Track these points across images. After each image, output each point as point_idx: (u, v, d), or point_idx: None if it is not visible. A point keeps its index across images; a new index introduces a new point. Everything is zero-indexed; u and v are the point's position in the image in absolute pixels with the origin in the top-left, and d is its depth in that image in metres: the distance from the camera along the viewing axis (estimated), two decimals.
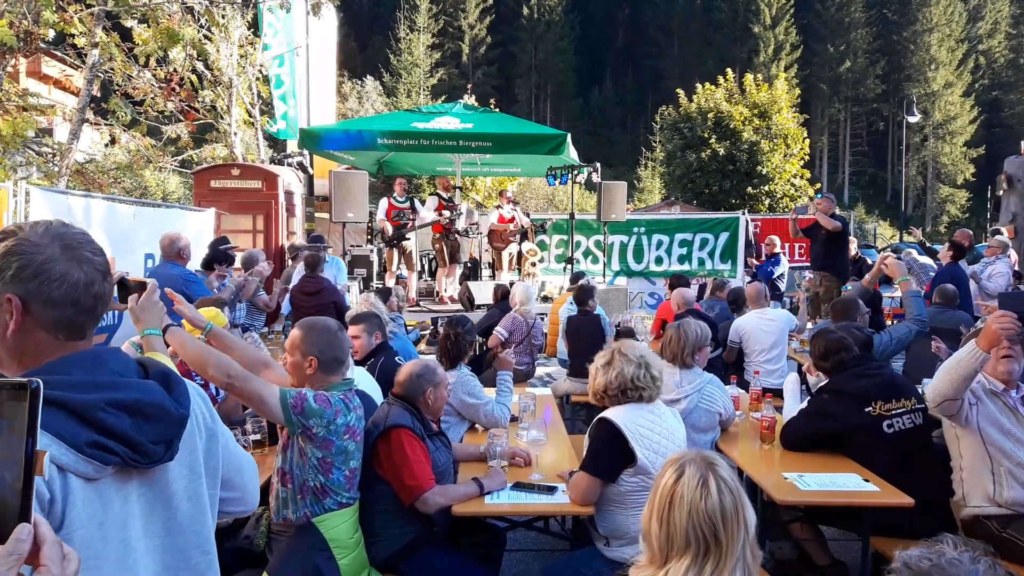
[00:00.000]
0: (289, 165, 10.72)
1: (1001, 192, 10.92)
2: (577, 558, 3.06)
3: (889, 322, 8.57)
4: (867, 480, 3.38)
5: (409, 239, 9.96)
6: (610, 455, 2.91)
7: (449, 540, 3.18)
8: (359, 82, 39.62)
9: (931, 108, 52.90)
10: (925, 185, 54.74)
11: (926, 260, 10.05)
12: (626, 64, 66.19)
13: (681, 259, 12.69)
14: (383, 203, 9.95)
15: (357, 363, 4.12)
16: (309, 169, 11.61)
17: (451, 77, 54.15)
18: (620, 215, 11.20)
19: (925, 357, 5.53)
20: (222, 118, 12.18)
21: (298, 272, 7.04)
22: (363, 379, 3.74)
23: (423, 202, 10.77)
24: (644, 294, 12.62)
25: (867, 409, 3.64)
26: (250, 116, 12.35)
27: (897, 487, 3.30)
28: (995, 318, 3.09)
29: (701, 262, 12.74)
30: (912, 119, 40.48)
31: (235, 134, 11.94)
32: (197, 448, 1.39)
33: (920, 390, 4.50)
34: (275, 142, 13.77)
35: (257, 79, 12.21)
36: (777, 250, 10.92)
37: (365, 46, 56.43)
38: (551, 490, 3.15)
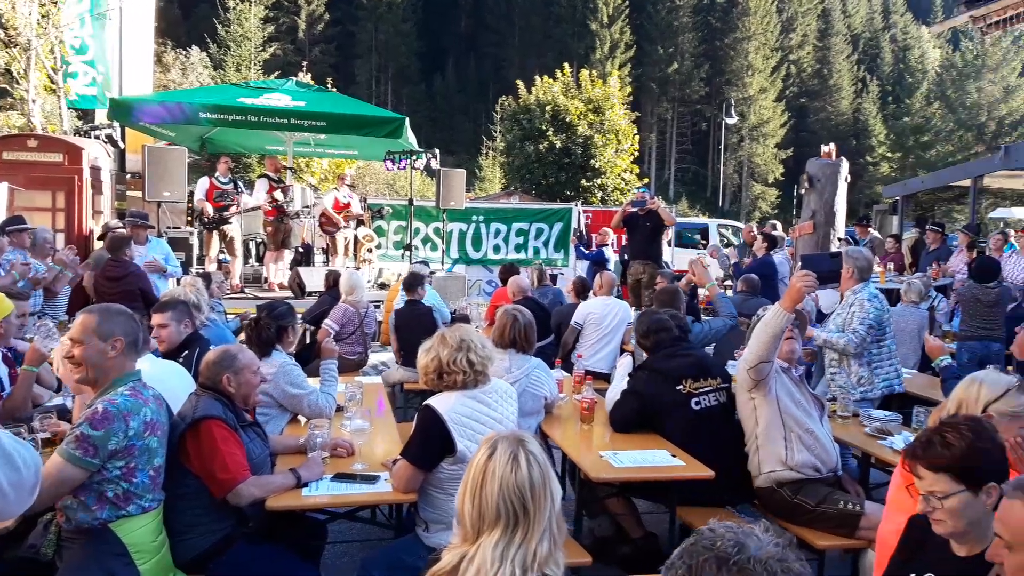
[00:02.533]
0: (96, 138, 9.81)
1: (803, 191, 11.97)
2: (398, 546, 3.03)
3: (703, 307, 9.23)
4: (675, 456, 3.60)
5: (232, 222, 9.41)
6: (431, 444, 2.89)
7: (266, 535, 3.05)
8: (183, 52, 37.01)
9: (747, 111, 57.25)
10: (741, 183, 59.20)
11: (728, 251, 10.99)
12: (469, 51, 66.38)
13: (518, 248, 12.97)
14: (203, 182, 9.33)
15: (167, 355, 3.84)
16: (120, 143, 10.68)
17: (286, 53, 51.79)
18: (459, 203, 11.24)
19: (732, 347, 6.00)
20: (18, 83, 10.93)
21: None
22: (176, 374, 3.49)
23: (251, 183, 10.24)
24: (482, 281, 12.76)
25: (678, 387, 3.89)
26: (52, 82, 11.17)
27: (702, 461, 3.54)
28: (798, 277, 3.41)
29: (536, 251, 13.08)
30: (730, 121, 43.73)
31: (33, 101, 10.75)
32: None
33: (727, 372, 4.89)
34: (83, 113, 12.54)
35: (60, 41, 11.05)
36: (610, 240, 11.44)
37: (190, 13, 52.71)
38: (373, 479, 3.10)
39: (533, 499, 1.74)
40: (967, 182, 12.54)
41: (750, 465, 3.79)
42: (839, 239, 11.10)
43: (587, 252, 11.44)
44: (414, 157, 10.29)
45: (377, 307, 7.85)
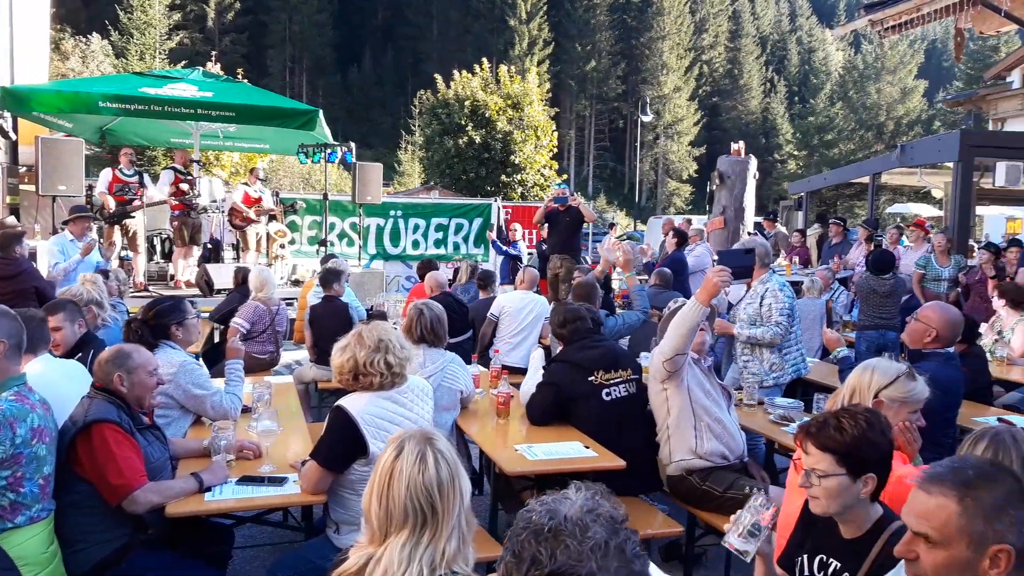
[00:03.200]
0: None
1: (714, 187, 12.34)
2: (308, 549, 2.96)
3: (618, 302, 9.41)
4: (587, 447, 3.65)
5: (135, 217, 8.99)
6: (342, 446, 2.82)
7: (167, 542, 2.92)
8: (83, 40, 35.15)
9: (662, 109, 58.61)
10: (656, 179, 60.63)
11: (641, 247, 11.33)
12: (386, 44, 65.47)
13: (437, 243, 12.88)
14: (105, 175, 8.87)
15: (64, 357, 3.63)
16: (12, 134, 10.05)
17: (194, 42, 49.85)
18: (376, 197, 11.07)
19: (645, 339, 6.13)
20: None
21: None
22: (73, 376, 3.29)
23: (156, 177, 9.81)
24: (401, 277, 12.61)
25: (590, 378, 3.94)
26: None
27: (614, 451, 3.59)
28: (714, 272, 3.52)
29: (456, 246, 13.03)
30: (645, 118, 44.53)
31: None
32: None
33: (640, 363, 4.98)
34: None
35: None
36: (518, 236, 11.53)
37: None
38: (281, 481, 3.01)
39: (441, 498, 1.72)
40: (866, 179, 13.19)
41: (661, 454, 3.87)
42: (748, 233, 11.51)
43: (504, 247, 11.48)
44: (328, 151, 10.07)
45: (290, 304, 7.66)
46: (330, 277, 6.31)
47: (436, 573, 1.67)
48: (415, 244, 12.62)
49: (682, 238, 9.57)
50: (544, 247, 10.44)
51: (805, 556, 2.18)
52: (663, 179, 59.59)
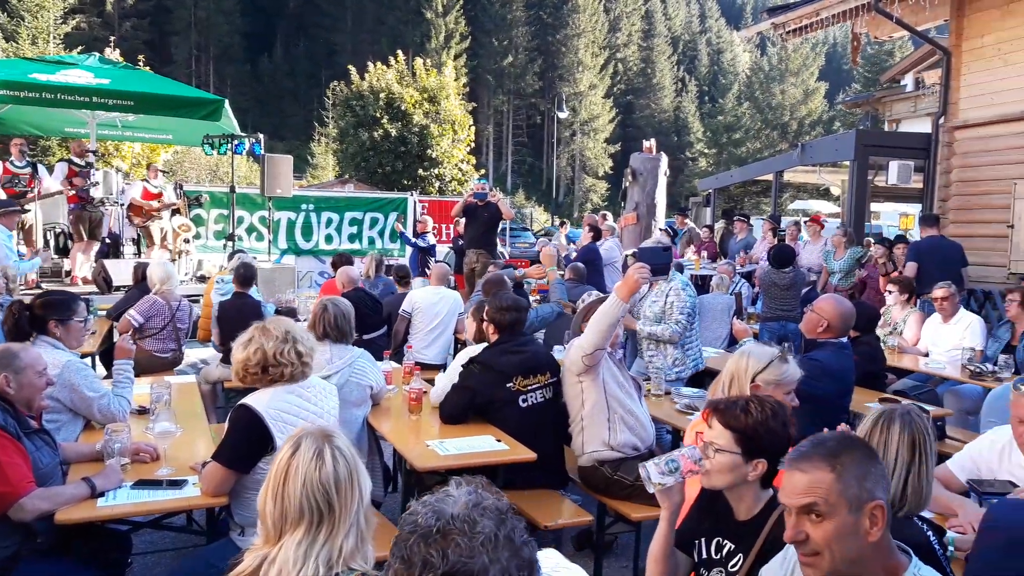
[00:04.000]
0: None
1: (627, 184, 12.60)
2: (209, 552, 2.87)
3: (534, 298, 9.49)
4: (499, 440, 3.66)
5: (28, 210, 8.49)
6: (247, 443, 2.76)
7: (60, 550, 2.78)
8: None
9: (578, 106, 59.36)
10: (574, 176, 61.39)
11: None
12: (299, 33, 63.80)
13: (351, 238, 12.64)
14: None
15: None
16: None
17: (92, 27, 47.35)
18: (286, 190, 10.77)
19: (559, 331, 6.20)
20: None
21: None
22: None
23: (51, 168, 9.29)
24: (314, 273, 12.33)
25: (508, 384, 3.93)
26: None
27: (526, 447, 3.61)
28: (634, 269, 3.58)
29: (371, 241, 12.82)
30: (562, 115, 45.12)
31: None
32: None
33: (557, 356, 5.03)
34: None
35: None
36: (429, 228, 11.43)
37: None
38: (179, 484, 2.90)
39: (339, 495, 1.71)
40: (770, 177, 13.72)
41: (573, 445, 3.93)
42: (660, 229, 11.81)
43: (413, 240, 11.37)
44: (235, 142, 9.75)
45: (196, 301, 7.38)
46: (248, 275, 6.14)
47: (333, 571, 1.65)
48: (328, 239, 12.34)
49: (597, 232, 9.74)
50: (461, 242, 10.41)
51: (703, 539, 2.26)
52: (580, 176, 60.35)
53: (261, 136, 10.42)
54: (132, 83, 9.07)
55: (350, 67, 23.30)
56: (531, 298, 9.47)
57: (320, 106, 44.71)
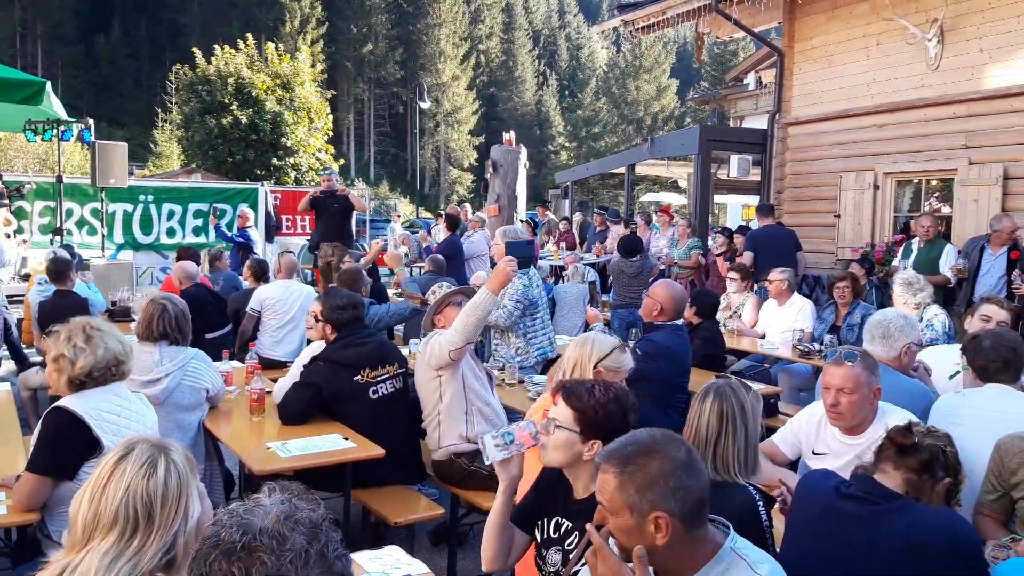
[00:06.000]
0: None
1: (488, 175, 12.65)
2: (20, 572, 2.62)
3: (395, 291, 9.36)
4: (346, 438, 3.54)
5: None
6: (70, 448, 2.62)
7: None
8: None
9: (441, 97, 59.12)
10: (439, 167, 61.17)
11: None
12: (139, 12, 59.49)
13: (196, 231, 11.86)
14: None
15: None
16: None
17: None
18: (121, 180, 10.01)
19: (417, 326, 6.11)
20: None
21: None
22: None
23: None
24: (155, 269, 11.52)
25: (356, 377, 3.82)
26: None
27: (379, 443, 3.51)
28: (504, 262, 3.60)
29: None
30: (424, 105, 44.74)
31: None
32: None
33: (409, 350, 4.96)
34: None
35: None
36: (250, 222, 10.93)
37: None
38: None
39: (162, 509, 1.59)
40: (623, 169, 14.20)
41: (429, 440, 3.87)
42: (521, 221, 11.95)
43: (228, 234, 10.83)
44: (62, 128, 8.93)
45: (19, 302, 6.72)
46: (60, 268, 5.63)
47: None
48: (171, 232, 11.52)
49: (454, 223, 9.68)
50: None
51: (544, 519, 2.30)
52: (445, 167, 60.19)
53: (91, 121, 9.61)
54: None
55: (195, 50, 21.92)
56: (392, 291, 9.34)
57: (164, 91, 41.94)
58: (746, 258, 7.92)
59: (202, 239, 11.65)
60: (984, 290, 6.68)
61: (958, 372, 3.48)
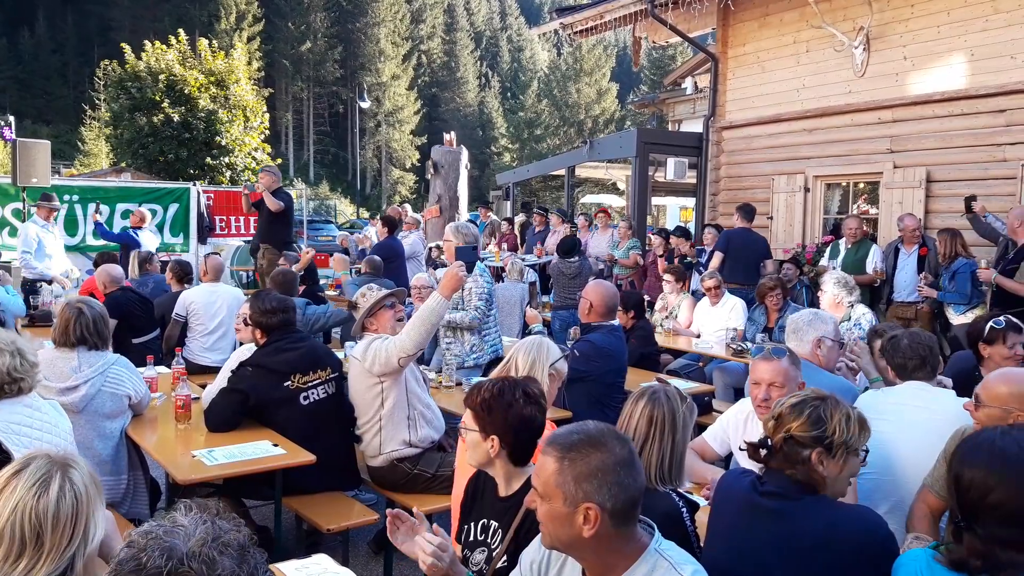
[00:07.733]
0: None
1: (429, 176, 12.57)
2: None
3: (332, 292, 9.22)
4: (276, 444, 3.45)
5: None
6: None
7: None
8: None
9: (382, 97, 58.56)
10: (381, 167, 60.57)
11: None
12: (65, 5, 57.25)
13: (125, 232, 11.46)
14: None
15: None
16: None
17: None
18: (44, 179, 9.58)
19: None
20: None
21: None
22: None
23: None
24: (82, 272, 11.08)
25: (286, 383, 3.74)
26: None
27: (315, 452, 3.43)
28: (456, 267, 3.63)
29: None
30: (364, 105, 44.28)
31: None
32: None
33: (344, 353, 4.87)
34: None
35: None
36: (148, 223, 10.56)
37: None
38: None
39: (53, 532, 1.49)
40: (563, 171, 14.28)
41: (366, 446, 3.80)
42: (469, 222, 11.91)
43: (114, 232, 10.45)
44: None
45: None
46: None
47: None
48: (96, 233, 11.12)
49: (392, 225, 9.57)
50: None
51: (472, 523, 2.30)
52: (387, 167, 59.64)
53: (11, 119, 9.28)
54: None
55: (124, 45, 21.14)
56: (331, 292, 9.19)
57: (92, 88, 40.45)
58: (715, 260, 7.79)
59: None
60: (900, 287, 6.96)
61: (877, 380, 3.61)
